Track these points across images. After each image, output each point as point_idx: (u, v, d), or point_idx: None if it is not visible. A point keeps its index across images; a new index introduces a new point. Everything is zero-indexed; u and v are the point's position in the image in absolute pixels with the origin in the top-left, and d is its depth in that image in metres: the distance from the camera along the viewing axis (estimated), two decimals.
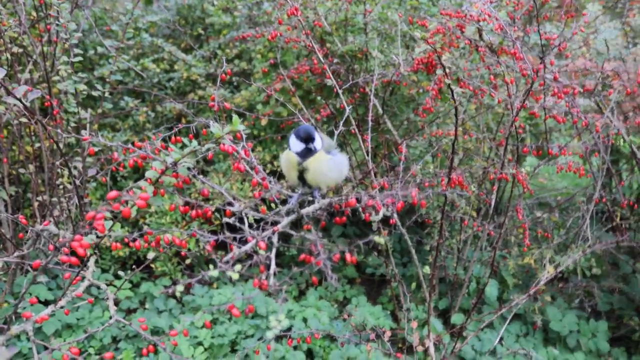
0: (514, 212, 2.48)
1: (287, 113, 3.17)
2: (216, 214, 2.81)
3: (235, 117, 1.24)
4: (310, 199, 1.56)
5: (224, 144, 1.50)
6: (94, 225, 1.14)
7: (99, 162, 2.67)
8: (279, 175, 3.24)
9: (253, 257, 1.28)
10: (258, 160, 3.16)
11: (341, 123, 1.79)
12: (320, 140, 1.50)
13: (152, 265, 3.03)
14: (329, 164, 1.50)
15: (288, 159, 1.53)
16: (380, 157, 1.77)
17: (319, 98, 3.02)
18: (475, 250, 2.92)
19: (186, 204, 1.53)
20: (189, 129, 1.77)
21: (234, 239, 1.37)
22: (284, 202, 3.05)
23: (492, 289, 2.80)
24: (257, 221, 1.50)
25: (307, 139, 1.47)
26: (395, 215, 2.50)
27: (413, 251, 2.55)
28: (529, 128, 3.29)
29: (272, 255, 1.30)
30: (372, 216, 2.12)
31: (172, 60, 3.41)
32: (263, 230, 1.39)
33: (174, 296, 2.92)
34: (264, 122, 3.13)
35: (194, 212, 1.46)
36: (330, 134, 1.92)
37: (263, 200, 1.56)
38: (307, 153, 1.47)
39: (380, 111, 2.92)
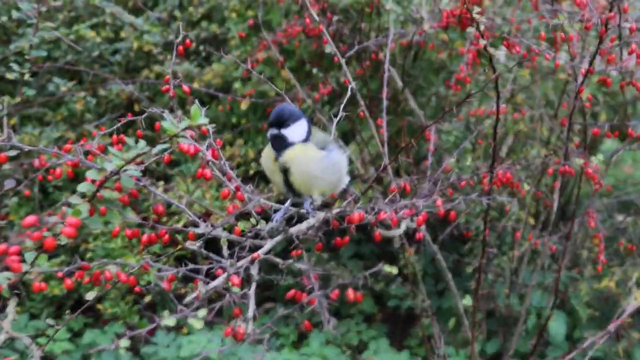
0: (585, 218, 2.47)
1: (275, 92, 3.17)
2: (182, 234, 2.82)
3: (195, 107, 1.24)
4: (304, 211, 1.57)
5: (182, 143, 1.51)
6: (5, 263, 1.15)
7: (21, 168, 2.69)
8: (265, 179, 3.25)
9: (225, 297, 1.28)
10: (231, 163, 3.17)
11: (343, 104, 1.79)
12: (303, 128, 1.50)
13: (99, 307, 3.04)
14: (321, 164, 1.50)
15: (266, 153, 1.54)
16: (400, 148, 1.77)
17: (316, 71, 3.02)
18: (534, 271, 2.91)
19: (139, 224, 1.54)
20: (140, 121, 1.77)
21: (198, 271, 1.37)
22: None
23: (558, 325, 2.79)
24: (233, 246, 1.51)
25: (276, 121, 1.47)
26: (422, 228, 2.51)
27: (449, 275, 2.55)
28: (604, 100, 3.28)
29: (252, 292, 1.31)
30: (391, 230, 2.13)
31: (117, 26, 3.42)
32: (239, 258, 1.39)
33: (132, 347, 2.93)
34: (244, 105, 3.13)
35: (145, 237, 1.46)
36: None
37: (242, 216, 1.57)
38: (277, 142, 1.48)
39: (400, 85, 2.92)
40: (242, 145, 3.28)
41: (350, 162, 2.86)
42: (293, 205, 1.60)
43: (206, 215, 3.02)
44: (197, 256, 3.05)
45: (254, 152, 3.25)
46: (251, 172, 3.20)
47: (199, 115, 1.25)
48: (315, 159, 1.49)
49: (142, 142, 1.30)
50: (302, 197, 1.56)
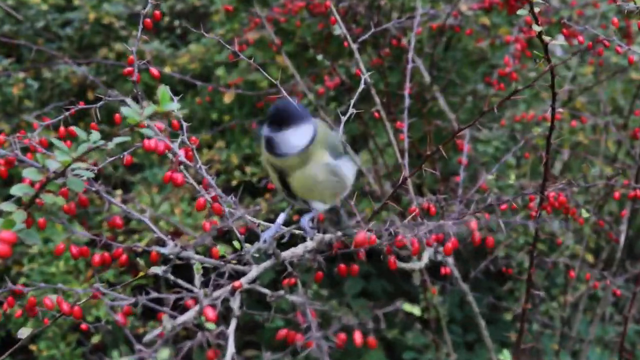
0: None
1: (267, 83, 3.17)
2: (144, 257, 2.81)
3: (163, 89, 1.24)
4: (302, 230, 1.57)
5: (147, 140, 1.51)
6: None
7: None
8: (253, 190, 3.25)
9: (197, 335, 1.27)
10: (215, 162, 3.17)
11: (353, 100, 1.79)
12: (307, 132, 1.50)
13: (33, 348, 3.03)
14: (324, 171, 1.51)
15: (262, 150, 1.55)
16: (425, 157, 1.76)
17: (321, 57, 3.02)
18: (592, 322, 2.90)
19: (89, 241, 1.54)
20: (94, 111, 1.77)
21: (162, 303, 1.36)
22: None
23: None
24: (211, 271, 1.50)
25: (274, 120, 1.48)
26: (449, 261, 2.51)
27: (483, 323, 2.54)
28: None
29: (231, 330, 1.30)
30: (409, 263, 2.12)
31: None
32: (217, 287, 1.39)
33: None
34: (228, 98, 3.13)
35: (97, 257, 1.46)
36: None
37: (224, 233, 1.57)
38: (270, 146, 1.49)
39: (427, 79, 2.92)
40: (223, 149, 3.28)
41: (361, 174, 2.86)
42: (287, 223, 1.60)
43: (175, 235, 3.02)
44: (161, 286, 3.07)
45: (238, 157, 3.25)
46: (234, 182, 3.20)
47: (168, 100, 1.25)
48: (321, 166, 1.50)
49: (95, 134, 1.30)
50: (299, 202, 1.57)
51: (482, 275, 2.85)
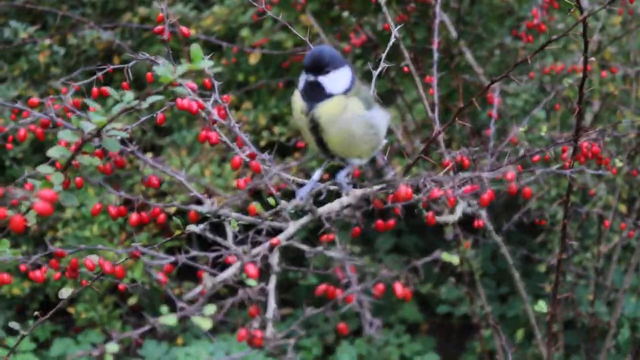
0: None
1: (292, 42, 3.15)
2: (178, 217, 2.83)
3: (195, 47, 1.23)
4: (337, 185, 1.56)
5: (180, 98, 1.51)
6: None
7: None
8: (283, 149, 3.24)
9: (238, 292, 1.27)
10: (243, 124, 3.16)
11: (383, 56, 1.77)
12: (347, 76, 1.49)
13: (71, 310, 3.06)
14: (364, 124, 1.49)
15: (296, 103, 1.52)
16: (455, 113, 1.75)
17: (346, 15, 3.00)
18: (627, 272, 2.89)
19: (125, 202, 1.53)
20: (122, 73, 1.76)
21: (206, 261, 1.36)
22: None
23: None
24: (246, 229, 1.50)
25: (313, 65, 1.46)
26: (483, 214, 2.49)
27: (516, 275, 2.52)
28: None
29: (271, 287, 1.30)
30: (442, 216, 2.11)
31: None
32: (254, 244, 1.38)
33: None
34: (253, 59, 3.12)
35: (134, 216, 1.45)
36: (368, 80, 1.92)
37: (255, 192, 1.56)
38: (312, 91, 1.46)
39: (454, 34, 2.89)
40: (250, 110, 3.28)
41: (389, 131, 2.84)
42: (322, 180, 1.59)
43: (208, 195, 3.02)
44: (195, 247, 3.08)
45: (265, 118, 3.24)
46: (262, 142, 3.20)
47: (201, 58, 1.24)
48: (357, 117, 1.48)
49: (129, 94, 1.29)
50: (336, 159, 1.55)
51: (514, 227, 2.84)
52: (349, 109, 1.47)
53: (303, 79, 1.46)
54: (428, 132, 3.05)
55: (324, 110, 1.46)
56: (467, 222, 2.51)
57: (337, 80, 1.47)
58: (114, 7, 3.43)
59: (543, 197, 2.85)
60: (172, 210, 1.55)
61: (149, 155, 2.98)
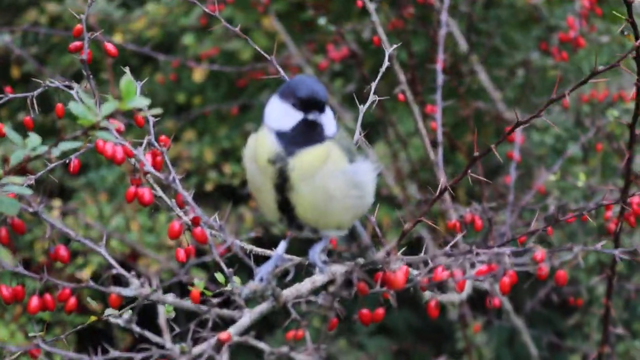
0: None
1: (251, 54, 3.15)
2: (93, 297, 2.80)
3: (127, 78, 1.22)
4: (311, 262, 1.55)
5: (101, 141, 1.50)
6: None
7: None
8: (234, 194, 3.22)
9: None
10: (183, 160, 3.15)
11: (373, 87, 1.77)
12: (332, 117, 1.49)
13: None
14: (347, 182, 1.49)
15: (257, 147, 1.51)
16: (466, 165, 1.74)
17: (323, 20, 3.00)
18: None
19: (18, 275, 1.52)
20: (30, 100, 1.74)
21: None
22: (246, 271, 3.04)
23: None
24: (187, 317, 1.49)
25: (316, 100, 1.45)
26: (498, 292, 2.49)
27: None
28: None
29: None
30: (446, 294, 2.11)
31: None
32: (196, 341, 1.37)
33: None
34: (198, 74, 3.12)
35: (35, 301, 1.44)
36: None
37: (203, 264, 1.55)
38: (306, 134, 1.46)
39: (464, 47, 2.90)
40: (193, 142, 3.27)
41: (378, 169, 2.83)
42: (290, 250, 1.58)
43: (132, 258, 3.00)
44: (113, 329, 3.04)
45: (213, 153, 3.23)
46: (209, 186, 3.19)
47: (134, 94, 1.23)
48: (337, 172, 1.48)
49: (34, 138, 1.27)
50: (305, 231, 1.54)
51: (541, 304, 2.84)
52: (330, 160, 1.47)
53: (290, 118, 1.46)
54: (426, 174, 3.05)
55: (304, 159, 1.45)
56: (477, 299, 2.51)
57: (329, 118, 1.48)
58: (13, 2, 3.41)
59: (577, 265, 2.85)
60: (85, 276, 1.54)
61: (57, 202, 2.97)
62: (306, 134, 1.46)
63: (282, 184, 1.47)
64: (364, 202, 1.54)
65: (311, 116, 1.45)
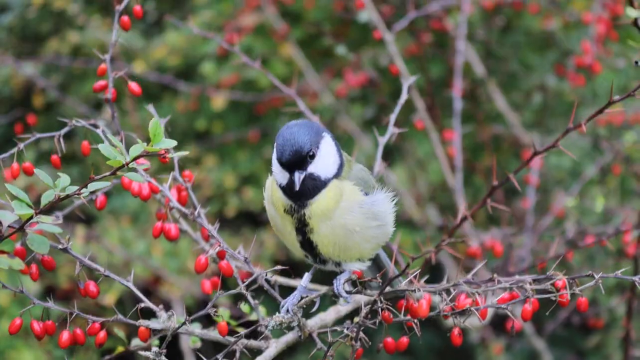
0: None
1: (269, 81, 3.14)
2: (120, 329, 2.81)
3: (156, 123, 1.24)
4: (334, 293, 1.56)
5: (128, 179, 1.51)
6: None
7: None
8: (254, 219, 3.23)
9: None
10: (203, 187, 3.16)
11: (392, 119, 1.78)
12: (332, 148, 1.51)
13: None
14: (364, 215, 1.50)
15: (271, 199, 1.52)
16: (491, 191, 1.75)
17: (341, 49, 3.01)
18: None
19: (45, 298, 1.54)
20: (44, 118, 1.75)
21: None
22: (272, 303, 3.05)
23: None
24: (213, 344, 1.50)
25: (296, 159, 1.46)
26: (519, 318, 2.50)
27: None
28: None
29: None
30: (467, 318, 2.12)
31: None
32: None
33: None
34: (218, 103, 3.12)
35: (65, 335, 1.45)
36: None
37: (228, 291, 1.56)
38: (304, 188, 1.47)
39: (481, 72, 2.90)
40: (213, 168, 3.27)
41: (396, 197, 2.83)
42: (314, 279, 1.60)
43: (154, 283, 3.01)
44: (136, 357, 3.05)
45: (233, 178, 3.24)
46: (229, 211, 3.19)
47: (161, 136, 1.25)
48: (355, 207, 1.49)
49: (65, 178, 1.29)
50: (329, 265, 1.55)
51: (563, 326, 2.82)
52: (345, 198, 1.48)
53: (283, 176, 1.47)
54: (446, 198, 3.05)
55: (317, 206, 1.46)
56: (498, 321, 2.51)
57: (326, 159, 1.48)
58: (35, 32, 3.43)
59: (599, 289, 2.84)
60: (110, 301, 1.55)
61: (81, 229, 2.98)
62: (303, 188, 1.47)
63: (302, 227, 1.49)
64: (384, 231, 1.55)
65: (295, 176, 1.45)
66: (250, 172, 3.28)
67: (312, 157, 1.46)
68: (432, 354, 3.47)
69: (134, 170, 1.27)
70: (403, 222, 3.00)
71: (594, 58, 2.60)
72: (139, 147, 1.21)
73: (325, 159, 1.49)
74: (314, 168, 1.46)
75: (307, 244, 1.50)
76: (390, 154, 3.24)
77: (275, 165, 1.49)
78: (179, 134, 3.26)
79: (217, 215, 3.13)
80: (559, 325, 2.77)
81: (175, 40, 3.22)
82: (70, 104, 3.13)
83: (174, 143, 1.24)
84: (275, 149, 1.48)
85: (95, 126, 1.67)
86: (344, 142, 2.41)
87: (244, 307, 1.59)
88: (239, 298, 1.57)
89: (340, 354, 2.74)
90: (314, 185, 1.47)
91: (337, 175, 1.50)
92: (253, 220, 3.22)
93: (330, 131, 1.57)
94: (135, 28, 3.36)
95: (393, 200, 1.59)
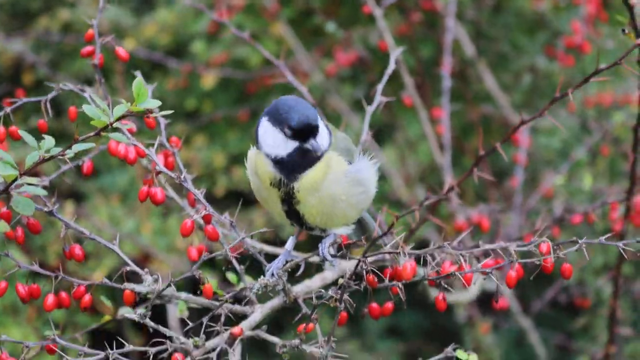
0: None
1: (260, 59, 3.14)
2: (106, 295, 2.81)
3: (139, 81, 1.24)
4: (319, 258, 1.56)
5: (114, 142, 1.51)
6: None
7: None
8: (244, 198, 3.22)
9: None
10: (193, 167, 3.15)
11: (380, 88, 1.78)
12: (323, 125, 1.52)
13: None
14: (350, 183, 1.51)
15: (256, 172, 1.52)
16: (473, 163, 1.76)
17: (332, 25, 3.00)
18: None
19: (32, 273, 1.53)
20: (44, 104, 1.74)
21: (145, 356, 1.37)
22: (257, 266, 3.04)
23: None
24: (199, 313, 1.50)
25: (309, 127, 1.47)
26: (506, 292, 2.50)
27: None
28: None
29: None
30: (453, 294, 2.12)
31: None
32: (208, 335, 1.39)
33: None
34: (208, 81, 3.11)
35: (51, 298, 1.45)
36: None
37: (210, 263, 1.56)
38: (303, 159, 1.47)
39: (471, 52, 2.90)
40: (203, 147, 3.26)
41: (382, 177, 2.82)
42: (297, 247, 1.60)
43: (143, 261, 3.00)
44: (124, 327, 3.05)
45: (223, 157, 3.23)
46: (218, 190, 3.19)
47: (146, 96, 1.25)
48: (341, 177, 1.49)
49: (49, 140, 1.29)
50: (315, 231, 1.55)
51: (549, 306, 2.82)
52: (332, 170, 1.49)
53: (285, 147, 1.47)
54: (435, 178, 3.05)
55: (307, 180, 1.47)
56: (485, 300, 2.51)
57: (323, 132, 1.49)
58: (25, 8, 3.42)
59: (586, 267, 2.85)
60: (98, 278, 1.55)
61: (69, 206, 2.97)
62: (304, 159, 1.48)
63: (289, 199, 1.49)
64: (368, 196, 1.57)
65: (308, 145, 1.46)
66: (240, 151, 3.27)
67: (317, 131, 1.46)
68: (419, 334, 3.48)
69: (119, 130, 1.27)
70: (392, 202, 3.00)
71: (584, 38, 2.60)
72: (122, 107, 1.22)
73: (323, 132, 1.49)
74: (320, 139, 1.47)
75: (294, 214, 1.51)
76: (380, 135, 3.24)
77: (274, 135, 1.48)
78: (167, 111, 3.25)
79: (206, 195, 3.11)
80: (546, 304, 2.77)
81: (166, 18, 3.21)
82: (60, 81, 3.13)
83: (159, 103, 1.24)
84: (269, 115, 1.49)
85: (83, 91, 1.67)
86: (334, 121, 2.42)
87: (230, 275, 1.59)
88: (225, 269, 1.58)
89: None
90: (311, 157, 1.47)
91: (327, 148, 1.50)
92: (241, 197, 3.21)
93: (321, 109, 1.58)
94: (125, 5, 3.35)
95: (375, 164, 1.59)
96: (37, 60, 3.11)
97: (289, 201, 1.49)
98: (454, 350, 1.52)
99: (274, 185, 1.49)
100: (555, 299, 2.76)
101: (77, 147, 1.27)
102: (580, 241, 1.53)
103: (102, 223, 2.95)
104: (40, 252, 2.97)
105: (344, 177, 1.50)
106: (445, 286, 1.55)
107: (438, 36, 2.91)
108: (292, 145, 1.47)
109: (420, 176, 3.06)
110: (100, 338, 1.63)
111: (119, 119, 1.22)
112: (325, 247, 1.53)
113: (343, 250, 1.51)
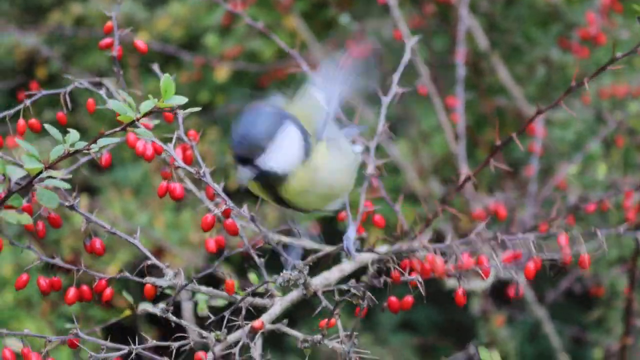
0: None
1: (274, 52, 3.15)
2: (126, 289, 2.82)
3: (167, 78, 1.24)
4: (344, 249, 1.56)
5: (134, 135, 1.52)
6: None
7: None
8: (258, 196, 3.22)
9: None
10: (206, 161, 3.16)
11: (396, 79, 1.79)
12: (294, 138, 1.46)
13: None
14: (337, 175, 1.52)
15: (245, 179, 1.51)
16: (489, 154, 1.76)
17: (344, 18, 3.01)
18: None
19: (47, 267, 1.54)
20: (63, 97, 1.73)
21: (160, 350, 1.37)
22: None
23: None
24: (220, 308, 1.50)
25: (245, 153, 1.43)
26: (521, 281, 2.50)
27: None
28: None
29: None
30: (467, 282, 2.13)
31: None
32: (229, 328, 1.40)
33: None
34: (221, 74, 3.12)
35: (72, 292, 1.46)
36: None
37: (226, 259, 1.56)
38: (265, 176, 1.45)
39: (484, 44, 2.90)
40: (216, 141, 3.26)
41: (395, 170, 2.83)
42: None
43: (156, 255, 3.01)
44: (137, 321, 3.05)
45: None
46: (232, 185, 3.19)
47: (173, 92, 1.25)
48: (330, 165, 1.50)
49: (74, 133, 1.30)
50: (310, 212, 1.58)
51: (564, 297, 2.82)
52: (319, 169, 1.48)
53: (238, 176, 1.45)
54: (448, 171, 3.05)
55: (290, 187, 1.46)
56: (498, 290, 2.51)
57: (282, 151, 1.44)
58: (38, 3, 3.43)
59: (601, 260, 2.85)
60: (113, 272, 1.55)
61: (84, 200, 2.98)
62: (266, 176, 1.44)
63: (280, 200, 1.50)
64: (350, 178, 1.58)
65: (242, 174, 1.43)
66: None
67: (262, 153, 1.41)
68: (433, 329, 3.48)
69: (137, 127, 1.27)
70: (405, 196, 3.00)
71: (599, 29, 2.60)
72: (150, 103, 1.22)
73: (281, 152, 1.43)
74: (264, 163, 1.42)
75: (287, 206, 1.52)
76: (393, 128, 3.24)
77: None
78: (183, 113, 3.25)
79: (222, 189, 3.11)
80: (561, 296, 2.77)
81: (179, 11, 3.22)
82: (76, 75, 3.13)
83: (185, 99, 1.25)
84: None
85: (100, 85, 1.67)
86: (347, 114, 2.43)
87: (252, 276, 1.60)
88: (247, 265, 1.59)
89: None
90: (272, 177, 1.44)
91: (303, 161, 1.46)
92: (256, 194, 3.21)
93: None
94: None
95: (352, 131, 1.67)
96: (50, 54, 3.11)
97: (280, 200, 1.50)
98: (476, 347, 1.51)
99: (263, 192, 1.51)
100: (569, 290, 2.76)
101: (102, 142, 1.28)
102: (599, 232, 1.54)
103: (115, 217, 2.96)
104: (54, 246, 2.98)
105: (335, 169, 1.51)
106: (464, 279, 1.55)
107: (451, 29, 2.91)
108: (243, 171, 1.44)
109: (434, 169, 3.07)
110: (115, 334, 1.64)
111: (145, 115, 1.22)
112: (351, 240, 1.53)
113: (368, 245, 1.52)
